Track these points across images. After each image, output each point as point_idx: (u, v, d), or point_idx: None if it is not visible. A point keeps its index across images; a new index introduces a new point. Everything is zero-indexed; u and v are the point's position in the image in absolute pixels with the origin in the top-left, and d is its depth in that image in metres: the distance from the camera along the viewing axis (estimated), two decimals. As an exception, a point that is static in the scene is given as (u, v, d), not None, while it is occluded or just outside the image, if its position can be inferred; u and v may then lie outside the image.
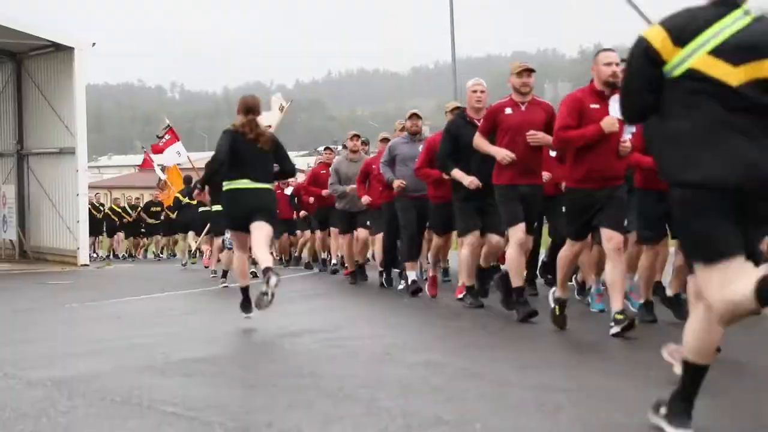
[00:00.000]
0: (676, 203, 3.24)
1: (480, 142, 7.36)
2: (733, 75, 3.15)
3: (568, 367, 5.22)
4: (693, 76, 3.19)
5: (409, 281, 9.57)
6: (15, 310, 9.57)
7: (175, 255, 24.55)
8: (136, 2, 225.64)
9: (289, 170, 7.74)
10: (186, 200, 17.72)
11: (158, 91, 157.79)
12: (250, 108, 7.26)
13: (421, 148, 9.18)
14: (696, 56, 3.18)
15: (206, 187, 8.35)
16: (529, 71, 7.28)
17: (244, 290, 7.44)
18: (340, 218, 11.98)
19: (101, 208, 26.33)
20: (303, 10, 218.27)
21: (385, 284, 10.76)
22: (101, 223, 26.09)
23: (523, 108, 7.22)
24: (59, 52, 18.66)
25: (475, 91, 8.06)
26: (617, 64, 6.20)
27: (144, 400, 4.34)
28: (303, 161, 53.44)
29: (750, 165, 3.10)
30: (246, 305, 7.41)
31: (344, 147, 13.60)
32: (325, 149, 15.06)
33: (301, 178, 16.71)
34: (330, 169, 12.32)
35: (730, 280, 3.04)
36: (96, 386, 4.71)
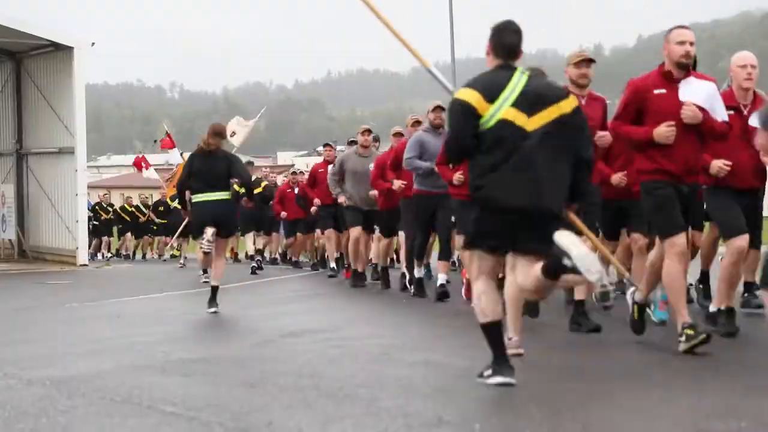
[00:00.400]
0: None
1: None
2: (528, 123, 4.39)
3: (568, 368, 5.22)
4: (502, 123, 4.38)
5: (415, 276, 9.47)
6: (14, 310, 9.57)
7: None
8: (136, 2, 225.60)
9: (246, 182, 9.18)
10: (174, 204, 17.92)
11: (158, 91, 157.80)
12: (218, 132, 8.74)
13: None
14: (503, 109, 4.39)
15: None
16: (589, 61, 6.67)
17: (214, 289, 8.52)
18: (350, 213, 11.23)
19: (109, 209, 25.63)
20: (303, 10, 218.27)
21: (410, 288, 9.83)
22: (110, 224, 25.66)
23: (583, 102, 6.37)
24: (59, 51, 18.66)
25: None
26: (692, 44, 5.61)
27: (144, 399, 4.34)
28: (302, 161, 53.44)
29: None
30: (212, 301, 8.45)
31: (350, 143, 12.93)
32: (325, 146, 14.16)
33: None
34: (336, 161, 11.72)
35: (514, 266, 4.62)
36: (96, 385, 4.71)
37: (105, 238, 25.30)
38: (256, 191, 13.80)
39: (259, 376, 5.02)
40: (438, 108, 9.25)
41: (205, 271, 12.56)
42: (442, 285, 9.03)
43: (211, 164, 8.51)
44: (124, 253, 25.68)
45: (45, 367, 5.34)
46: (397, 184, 9.53)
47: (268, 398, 4.41)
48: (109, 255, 25.05)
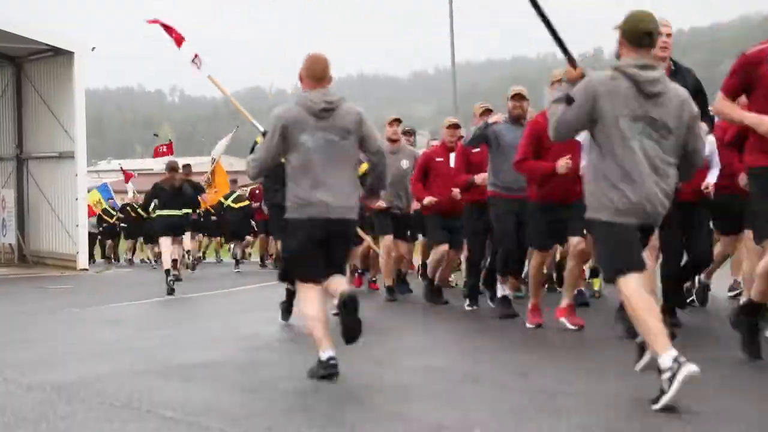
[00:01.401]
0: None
1: (725, 107, 5.19)
2: None
3: (568, 371, 5.22)
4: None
5: (499, 295, 7.83)
6: (15, 314, 9.57)
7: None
8: (135, 6, 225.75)
9: (194, 203, 13.35)
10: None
11: (158, 96, 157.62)
12: (172, 167, 12.51)
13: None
14: None
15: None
16: None
17: (167, 272, 11.48)
18: (380, 219, 9.85)
19: (140, 210, 24.70)
20: (303, 15, 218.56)
21: (430, 300, 9.14)
22: (140, 227, 24.51)
23: None
24: (59, 56, 18.68)
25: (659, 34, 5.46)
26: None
27: (143, 404, 4.34)
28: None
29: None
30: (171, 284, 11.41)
31: None
32: None
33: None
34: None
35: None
36: (95, 390, 4.71)
37: (136, 241, 23.77)
38: (240, 205, 18.64)
39: (258, 380, 5.02)
40: (518, 96, 7.70)
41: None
42: (506, 299, 7.75)
43: (174, 191, 12.27)
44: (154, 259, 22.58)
45: (45, 372, 5.34)
46: (428, 200, 8.83)
47: (268, 403, 4.41)
48: (136, 261, 23.51)
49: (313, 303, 5.06)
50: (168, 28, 11.15)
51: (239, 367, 5.57)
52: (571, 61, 4.60)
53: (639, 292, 4.15)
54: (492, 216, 7.70)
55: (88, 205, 23.99)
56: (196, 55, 12.22)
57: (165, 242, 12.10)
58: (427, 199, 8.84)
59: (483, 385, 4.80)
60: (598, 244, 4.51)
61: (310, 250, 5.08)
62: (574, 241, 6.77)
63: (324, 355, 4.90)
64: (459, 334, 7.18)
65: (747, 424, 3.84)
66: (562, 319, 6.84)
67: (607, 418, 3.99)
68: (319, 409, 4.23)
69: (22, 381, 5.03)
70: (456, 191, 8.49)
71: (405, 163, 9.76)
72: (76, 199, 18.42)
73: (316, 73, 5.13)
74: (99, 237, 24.37)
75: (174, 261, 12.35)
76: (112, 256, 24.19)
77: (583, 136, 5.94)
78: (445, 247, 8.92)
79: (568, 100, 4.42)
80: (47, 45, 18.53)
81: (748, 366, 5.14)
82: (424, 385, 4.79)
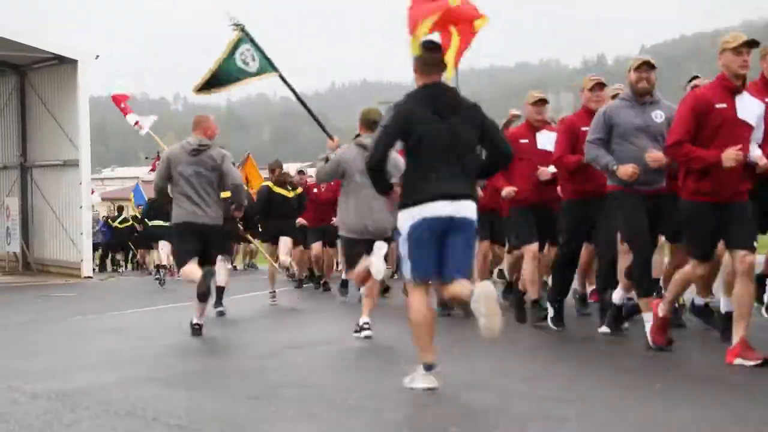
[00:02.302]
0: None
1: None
2: None
3: (574, 378, 5.20)
4: None
5: (616, 301, 6.65)
6: (19, 323, 9.57)
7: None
8: (140, 14, 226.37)
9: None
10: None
11: (162, 104, 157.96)
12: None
13: (658, 114, 6.19)
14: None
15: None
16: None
17: (161, 267, 16.25)
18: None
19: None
20: (306, 21, 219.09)
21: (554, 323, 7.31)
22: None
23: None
24: (63, 64, 18.74)
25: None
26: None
27: (148, 412, 4.33)
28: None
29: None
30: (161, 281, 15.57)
31: None
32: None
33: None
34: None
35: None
36: (100, 398, 4.70)
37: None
38: None
39: (263, 388, 5.02)
40: (645, 64, 6.25)
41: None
42: (631, 303, 6.54)
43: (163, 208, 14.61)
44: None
45: (49, 381, 5.34)
46: (507, 190, 7.52)
47: (273, 410, 4.40)
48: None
49: (194, 274, 7.25)
50: (121, 106, 15.88)
51: (244, 375, 5.56)
52: (330, 136, 7.62)
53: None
54: (617, 215, 6.26)
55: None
56: (136, 123, 16.20)
57: (161, 245, 16.26)
58: (507, 190, 7.51)
59: (487, 391, 4.79)
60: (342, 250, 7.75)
61: (187, 245, 7.46)
62: (740, 255, 5.37)
63: (194, 320, 7.53)
64: (461, 340, 7.15)
65: (753, 429, 3.82)
66: (739, 360, 5.29)
67: (612, 426, 3.97)
68: (323, 416, 4.22)
69: (27, 389, 5.03)
70: (544, 170, 7.35)
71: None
72: (81, 207, 18.45)
73: (195, 125, 7.61)
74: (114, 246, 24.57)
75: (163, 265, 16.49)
76: (139, 264, 23.80)
77: (755, 120, 5.55)
78: (534, 247, 7.40)
79: (326, 160, 7.17)
80: (51, 53, 18.59)
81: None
82: (429, 392, 4.78)
